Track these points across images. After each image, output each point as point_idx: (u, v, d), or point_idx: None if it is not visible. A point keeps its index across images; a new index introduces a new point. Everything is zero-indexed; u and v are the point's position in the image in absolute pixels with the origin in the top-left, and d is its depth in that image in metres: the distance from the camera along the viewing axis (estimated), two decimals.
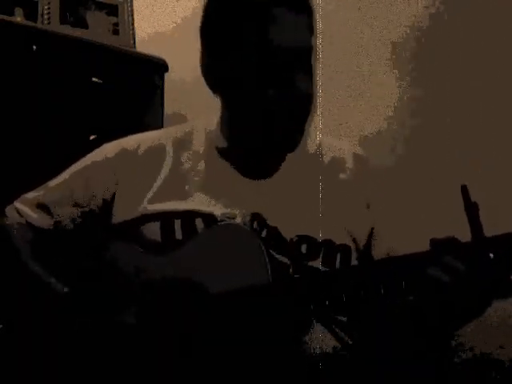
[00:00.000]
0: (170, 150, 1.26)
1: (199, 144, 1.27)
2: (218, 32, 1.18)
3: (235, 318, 1.00)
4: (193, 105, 2.30)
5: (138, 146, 1.27)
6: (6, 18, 1.97)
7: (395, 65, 2.17)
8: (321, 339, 1.09)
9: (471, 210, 0.92)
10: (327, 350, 1.10)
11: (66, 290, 1.12)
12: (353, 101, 2.17)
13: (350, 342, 1.13)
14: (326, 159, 1.26)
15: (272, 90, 1.10)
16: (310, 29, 1.15)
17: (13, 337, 1.11)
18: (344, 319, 1.14)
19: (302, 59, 1.12)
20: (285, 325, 1.01)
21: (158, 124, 2.16)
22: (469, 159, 1.98)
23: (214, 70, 1.19)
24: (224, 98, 1.20)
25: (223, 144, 1.24)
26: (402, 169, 2.04)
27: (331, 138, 1.31)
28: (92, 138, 1.91)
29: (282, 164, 1.23)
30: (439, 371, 1.18)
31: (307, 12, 1.14)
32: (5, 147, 1.79)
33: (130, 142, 1.29)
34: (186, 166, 1.23)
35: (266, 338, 0.99)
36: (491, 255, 0.91)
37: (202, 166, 1.23)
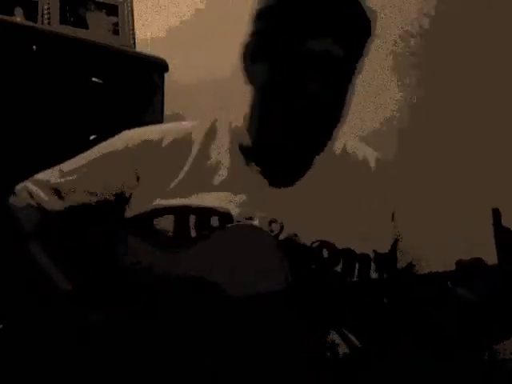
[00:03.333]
0: (196, 143, 1.23)
1: (223, 139, 1.25)
2: (264, 30, 1.18)
3: (249, 319, 0.99)
4: (193, 105, 2.30)
5: (163, 138, 1.24)
6: (6, 18, 1.97)
7: (396, 65, 2.17)
8: (332, 344, 1.08)
9: (501, 233, 0.92)
10: (338, 355, 1.09)
11: (69, 287, 1.11)
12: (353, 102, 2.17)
13: (360, 346, 1.12)
14: (350, 162, 1.26)
15: (290, 88, 1.12)
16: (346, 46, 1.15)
17: (13, 336, 1.11)
18: (356, 323, 1.13)
19: (327, 67, 1.13)
20: (298, 328, 1.00)
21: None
22: (469, 160, 1.98)
23: (254, 65, 1.19)
24: (258, 94, 1.20)
25: (247, 142, 1.23)
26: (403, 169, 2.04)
27: (355, 141, 1.31)
28: (92, 137, 1.91)
29: (307, 172, 1.22)
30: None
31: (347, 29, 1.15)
32: (5, 147, 1.79)
33: (154, 132, 1.26)
34: (209, 161, 1.21)
35: (278, 341, 0.98)
36: None
37: (224, 162, 1.21)
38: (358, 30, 1.16)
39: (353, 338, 1.11)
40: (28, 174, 1.29)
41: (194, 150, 1.22)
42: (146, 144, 1.23)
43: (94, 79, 2.00)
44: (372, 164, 1.26)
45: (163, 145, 1.22)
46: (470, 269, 0.94)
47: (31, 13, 2.10)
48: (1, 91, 1.81)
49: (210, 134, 1.25)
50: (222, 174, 1.19)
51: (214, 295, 1.03)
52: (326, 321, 1.06)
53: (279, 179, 1.20)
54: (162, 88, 2.23)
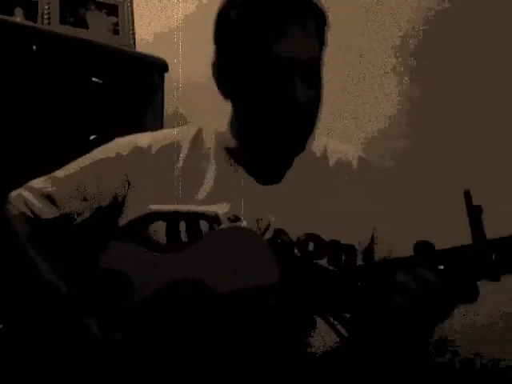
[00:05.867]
0: (184, 149, 1.26)
1: (209, 144, 1.27)
2: (231, 42, 1.18)
3: (241, 317, 1.00)
4: (193, 105, 2.31)
5: (152, 145, 1.26)
6: (6, 18, 1.98)
7: (395, 65, 2.17)
8: (322, 335, 1.10)
9: (473, 213, 0.95)
10: (328, 346, 1.11)
11: (65, 289, 1.12)
12: (353, 102, 2.17)
13: (348, 336, 1.14)
14: (332, 162, 1.29)
15: (275, 97, 1.13)
16: (318, 39, 1.17)
17: (13, 336, 1.11)
18: (345, 315, 1.15)
19: (303, 68, 1.14)
20: (290, 323, 1.01)
21: (158, 124, 2.16)
22: (469, 160, 1.98)
23: (226, 79, 1.21)
24: (234, 103, 1.23)
25: (233, 145, 1.25)
26: (403, 170, 2.04)
27: (336, 142, 1.34)
28: (92, 137, 1.91)
29: (290, 169, 1.25)
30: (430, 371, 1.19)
31: (316, 22, 1.16)
32: (5, 147, 1.79)
33: (144, 139, 1.28)
34: (197, 165, 1.24)
35: (270, 337, 0.99)
36: (493, 256, 0.93)
37: (211, 166, 1.24)
38: (322, 24, 1.18)
39: (340, 328, 1.12)
40: (28, 174, 1.29)
41: (182, 155, 1.25)
42: (137, 151, 1.25)
43: (94, 79, 2.00)
44: (354, 161, 1.30)
45: (152, 151, 1.25)
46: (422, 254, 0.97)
47: (31, 13, 2.10)
48: (1, 91, 1.81)
49: (197, 139, 1.28)
50: (210, 177, 1.22)
51: (206, 294, 1.04)
52: (315, 310, 1.08)
53: (265, 177, 1.23)
54: (161, 88, 2.23)
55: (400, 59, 2.16)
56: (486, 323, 1.95)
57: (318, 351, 1.09)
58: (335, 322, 1.12)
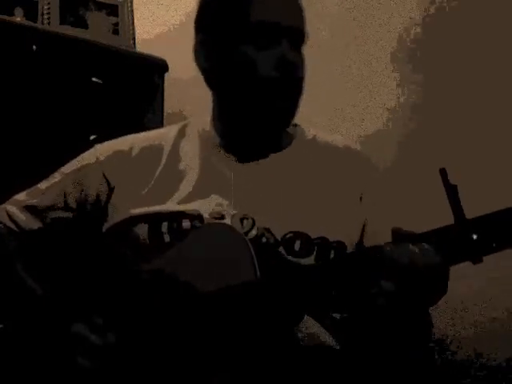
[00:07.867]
0: (166, 148, 1.25)
1: (193, 142, 1.26)
2: (207, 20, 1.23)
3: (226, 316, 1.00)
4: (192, 104, 2.30)
5: (132, 148, 1.26)
6: (6, 18, 1.98)
7: (394, 63, 2.17)
8: (311, 331, 1.09)
9: (451, 192, 0.92)
10: (318, 342, 1.09)
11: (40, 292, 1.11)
12: (352, 100, 2.17)
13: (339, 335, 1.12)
14: (321, 153, 1.26)
15: (264, 68, 1.13)
16: (298, 8, 1.19)
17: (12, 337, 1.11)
18: (336, 316, 1.14)
19: (290, 36, 1.15)
20: (275, 320, 1.00)
21: (158, 124, 2.16)
22: (464, 157, 1.98)
23: (207, 57, 1.22)
24: (218, 85, 1.22)
25: (217, 140, 1.24)
26: (395, 164, 2.04)
27: (325, 132, 1.32)
28: (92, 137, 1.91)
29: (279, 161, 1.23)
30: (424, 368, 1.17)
31: None
32: (5, 147, 1.79)
33: (124, 143, 1.28)
34: (180, 164, 1.23)
35: (256, 334, 0.98)
36: (474, 236, 0.91)
37: (194, 164, 1.23)
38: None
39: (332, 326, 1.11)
40: (28, 174, 1.29)
41: (164, 155, 1.24)
42: (116, 155, 1.25)
43: (94, 79, 2.01)
44: (342, 152, 1.27)
45: (133, 154, 1.25)
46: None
47: (31, 13, 2.10)
48: (1, 91, 1.81)
49: (180, 137, 1.27)
50: (193, 175, 1.21)
51: (190, 295, 1.03)
52: (305, 310, 1.06)
53: (250, 157, 1.22)
54: (161, 88, 2.23)
55: (400, 55, 2.16)
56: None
57: (309, 348, 1.07)
58: (326, 321, 1.11)
